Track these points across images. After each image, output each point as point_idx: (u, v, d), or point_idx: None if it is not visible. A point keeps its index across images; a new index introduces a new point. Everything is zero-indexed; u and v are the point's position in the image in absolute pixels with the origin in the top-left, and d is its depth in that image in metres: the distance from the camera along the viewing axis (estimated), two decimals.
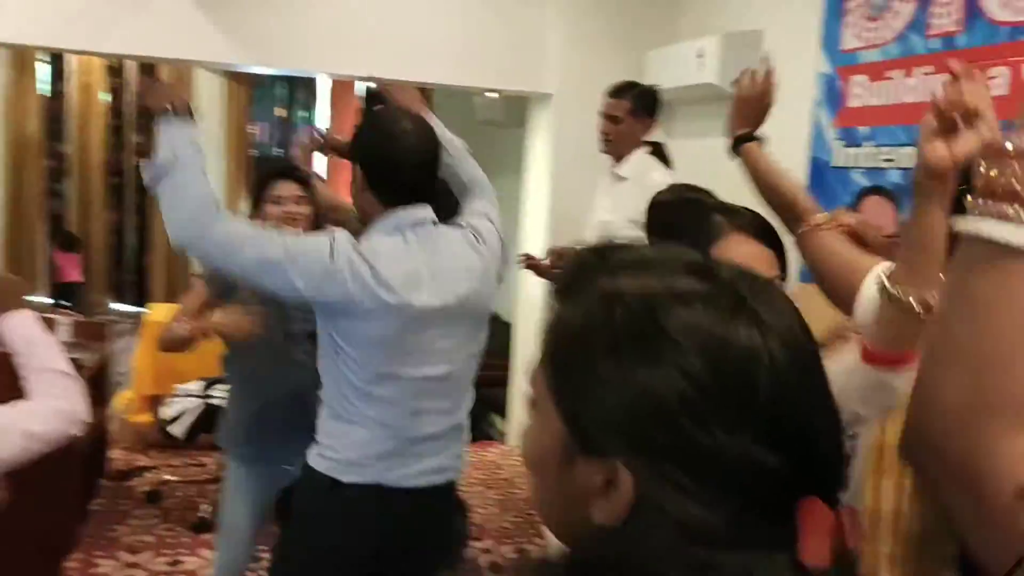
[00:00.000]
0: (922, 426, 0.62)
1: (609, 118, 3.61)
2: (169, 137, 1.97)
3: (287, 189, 2.65)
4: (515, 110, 6.27)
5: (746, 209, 1.30)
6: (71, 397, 1.85)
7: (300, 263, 1.92)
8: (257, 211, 2.68)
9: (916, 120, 3.34)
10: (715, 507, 0.60)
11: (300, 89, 8.81)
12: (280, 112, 8.93)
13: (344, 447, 2.03)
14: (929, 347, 0.67)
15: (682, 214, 1.34)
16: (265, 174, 2.77)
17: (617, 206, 3.58)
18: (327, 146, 3.01)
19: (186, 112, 2.01)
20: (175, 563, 3.63)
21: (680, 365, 0.61)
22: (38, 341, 1.87)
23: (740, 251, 1.22)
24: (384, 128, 2.07)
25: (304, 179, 2.72)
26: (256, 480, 2.70)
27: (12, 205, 8.97)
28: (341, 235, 2.01)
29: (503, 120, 7.02)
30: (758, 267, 1.19)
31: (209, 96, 8.75)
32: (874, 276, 1.17)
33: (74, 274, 8.80)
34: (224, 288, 2.59)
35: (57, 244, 8.58)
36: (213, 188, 2.00)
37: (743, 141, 1.64)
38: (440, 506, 2.16)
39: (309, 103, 8.88)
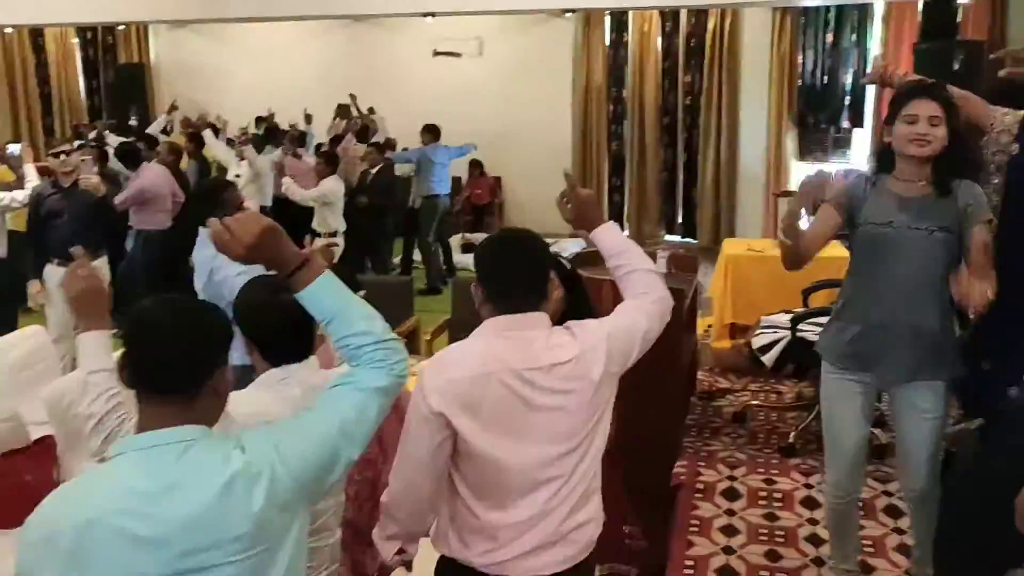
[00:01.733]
0: None
1: None
2: None
3: (923, 108, 2.47)
4: None
5: None
6: (664, 288, 2.13)
7: None
8: (888, 129, 2.57)
9: None
10: None
11: (850, 13, 8.45)
12: (829, 38, 8.68)
13: None
14: None
15: None
16: (902, 91, 2.59)
17: None
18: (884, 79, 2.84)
19: None
20: (770, 482, 3.89)
21: None
22: (629, 246, 2.16)
23: None
24: None
25: (946, 100, 2.51)
26: (857, 392, 2.70)
27: (580, 147, 10.15)
28: None
29: None
30: None
31: (756, 27, 8.85)
32: None
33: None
34: None
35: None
36: None
37: None
38: None
39: (860, 27, 8.48)
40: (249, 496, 1.37)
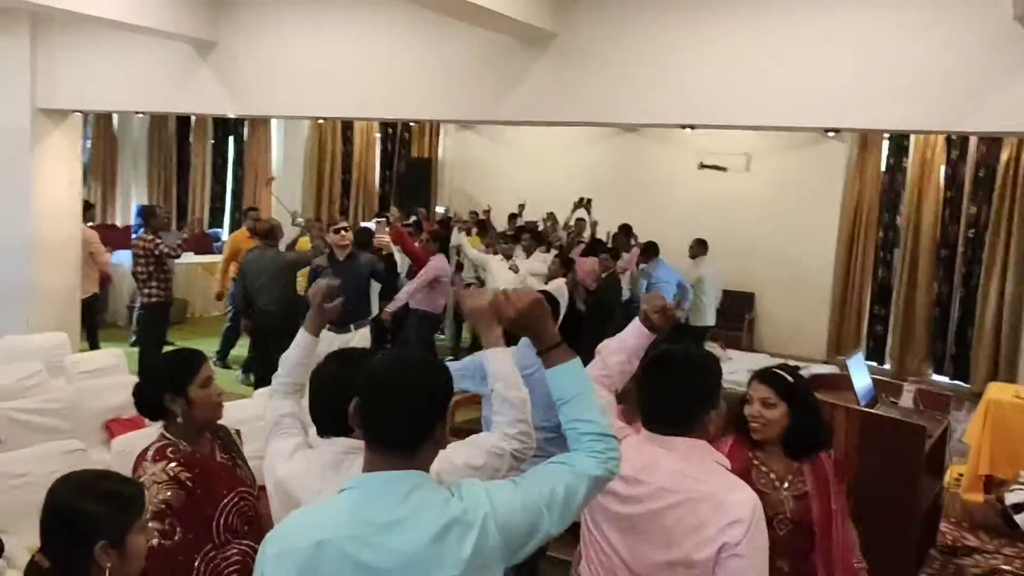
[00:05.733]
0: None
1: None
2: None
3: None
4: None
5: None
6: None
7: None
8: None
9: None
10: None
11: None
12: None
13: None
14: None
15: None
16: None
17: None
18: None
19: None
20: None
21: None
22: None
23: None
24: None
25: None
26: None
27: (843, 271, 9.69)
28: None
29: None
30: None
31: None
32: None
33: None
34: None
35: None
36: None
37: None
38: None
39: None
40: (462, 542, 1.44)
